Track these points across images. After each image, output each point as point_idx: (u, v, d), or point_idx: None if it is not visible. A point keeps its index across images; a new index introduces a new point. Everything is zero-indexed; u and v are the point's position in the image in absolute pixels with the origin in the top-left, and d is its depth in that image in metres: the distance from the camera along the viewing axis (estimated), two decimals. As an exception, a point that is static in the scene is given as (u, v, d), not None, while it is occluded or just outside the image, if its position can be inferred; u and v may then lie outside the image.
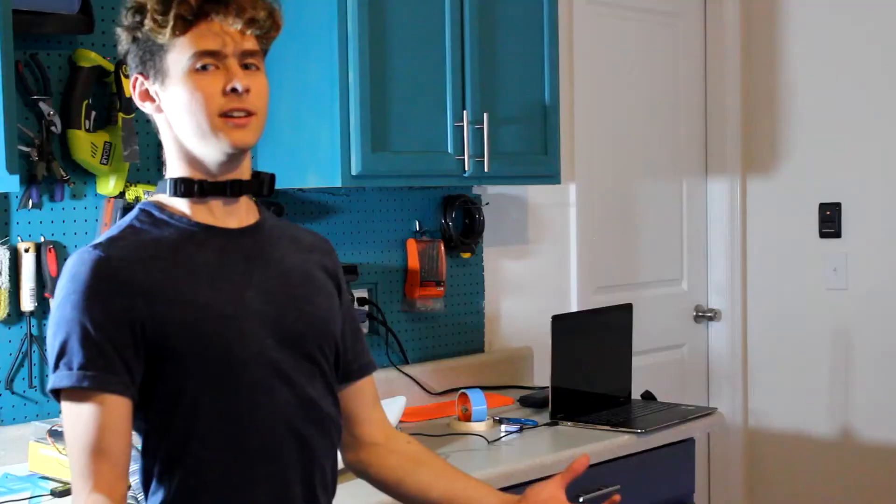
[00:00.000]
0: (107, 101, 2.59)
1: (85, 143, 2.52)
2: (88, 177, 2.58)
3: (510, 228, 3.56)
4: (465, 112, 2.89)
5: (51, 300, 2.53)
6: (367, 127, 2.68)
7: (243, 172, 1.66)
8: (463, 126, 2.88)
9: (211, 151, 1.60)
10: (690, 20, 4.20)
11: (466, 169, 2.91)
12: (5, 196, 2.46)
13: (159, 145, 2.65)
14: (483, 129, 2.91)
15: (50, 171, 2.48)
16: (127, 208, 2.61)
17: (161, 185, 1.67)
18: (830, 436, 4.06)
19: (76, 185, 2.57)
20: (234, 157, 1.62)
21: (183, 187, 1.62)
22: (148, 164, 2.67)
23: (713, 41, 4.24)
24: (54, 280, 2.48)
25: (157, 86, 1.61)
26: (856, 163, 3.96)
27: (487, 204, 3.41)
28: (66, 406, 1.54)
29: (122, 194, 2.60)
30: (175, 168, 1.65)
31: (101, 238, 1.61)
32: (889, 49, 3.89)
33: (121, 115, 2.55)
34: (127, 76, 2.53)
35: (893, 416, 3.91)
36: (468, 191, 3.36)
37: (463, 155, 2.89)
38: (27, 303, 2.47)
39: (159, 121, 1.65)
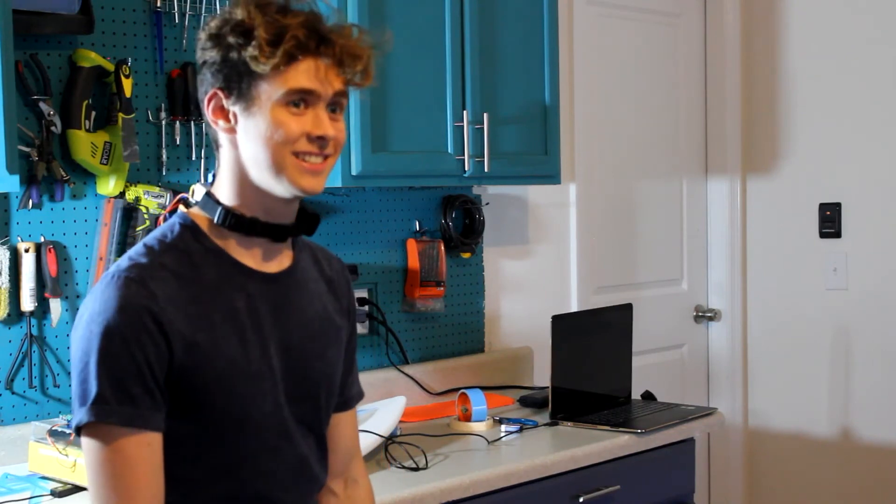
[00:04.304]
0: (107, 101, 2.59)
1: (85, 143, 2.51)
2: (88, 177, 2.58)
3: (510, 228, 3.56)
4: (465, 112, 2.89)
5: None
6: (367, 127, 2.68)
7: (294, 214, 1.62)
8: (463, 126, 2.88)
9: (277, 188, 1.54)
10: (690, 20, 4.20)
11: (466, 169, 2.90)
12: (5, 196, 2.46)
13: (159, 145, 2.69)
14: (483, 129, 2.91)
15: (50, 171, 2.48)
16: (127, 209, 2.61)
17: (207, 204, 1.59)
18: (830, 436, 4.05)
19: (76, 185, 2.56)
20: (295, 201, 1.58)
21: (233, 221, 1.56)
22: (148, 164, 2.67)
23: (713, 41, 4.24)
24: (54, 280, 2.48)
25: (239, 108, 1.53)
26: (856, 163, 3.96)
27: (487, 204, 3.41)
28: (91, 443, 1.47)
29: (122, 194, 2.60)
30: (227, 193, 1.58)
31: (137, 254, 1.53)
32: (889, 49, 3.88)
33: (121, 115, 2.55)
34: (127, 76, 2.56)
35: (893, 416, 3.91)
36: (468, 191, 3.36)
37: (463, 155, 2.89)
38: (27, 303, 2.46)
39: (225, 141, 1.57)
